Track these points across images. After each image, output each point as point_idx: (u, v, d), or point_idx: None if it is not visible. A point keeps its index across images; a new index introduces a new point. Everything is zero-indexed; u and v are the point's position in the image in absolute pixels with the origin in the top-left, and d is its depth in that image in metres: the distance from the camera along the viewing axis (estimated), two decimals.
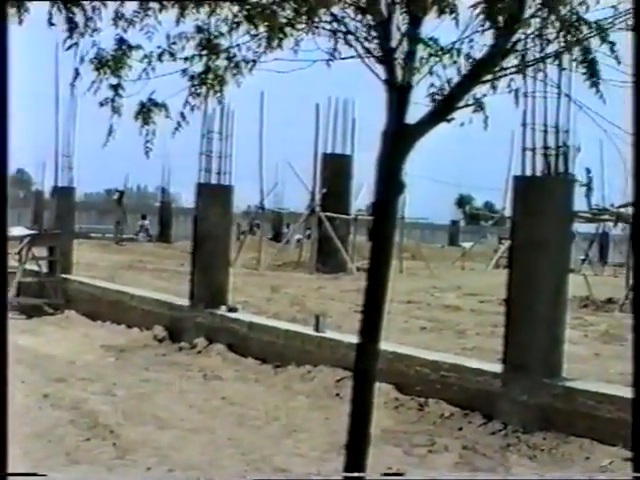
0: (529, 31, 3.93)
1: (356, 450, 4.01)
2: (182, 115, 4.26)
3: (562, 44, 3.98)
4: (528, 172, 8.00)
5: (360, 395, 4.06)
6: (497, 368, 8.03)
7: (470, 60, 3.98)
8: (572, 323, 10.05)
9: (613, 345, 10.87)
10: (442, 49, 4.02)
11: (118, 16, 4.13)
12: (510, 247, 9.04)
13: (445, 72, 4.03)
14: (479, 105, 4.08)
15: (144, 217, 41.75)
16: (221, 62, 4.26)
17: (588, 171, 13.97)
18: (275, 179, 31.34)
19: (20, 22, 4.06)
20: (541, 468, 6.81)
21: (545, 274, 7.84)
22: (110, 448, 6.99)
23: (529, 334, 7.79)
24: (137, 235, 39.62)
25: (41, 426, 7.54)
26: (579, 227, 22.04)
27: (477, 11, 3.78)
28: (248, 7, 4.02)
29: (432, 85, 4.03)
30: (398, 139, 3.92)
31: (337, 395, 8.90)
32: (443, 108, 3.96)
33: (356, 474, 3.97)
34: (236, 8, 4.07)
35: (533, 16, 3.88)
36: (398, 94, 3.91)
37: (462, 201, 65.11)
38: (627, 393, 6.62)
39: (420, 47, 3.97)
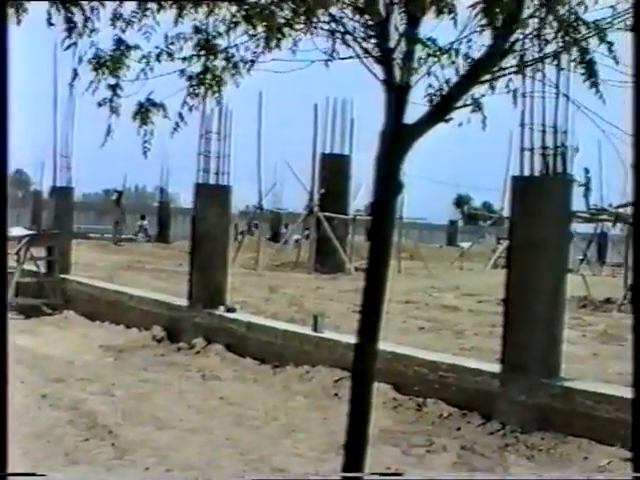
0: (527, 31, 3.92)
1: (354, 450, 4.01)
2: (180, 115, 4.26)
3: (560, 44, 3.98)
4: (526, 172, 8.00)
5: (358, 395, 4.05)
6: (495, 368, 8.03)
7: (468, 60, 3.97)
8: (570, 323, 10.07)
9: (611, 345, 10.87)
10: (440, 49, 4.02)
11: (116, 16, 4.13)
12: (508, 247, 9.04)
13: (443, 72, 4.02)
14: (477, 105, 4.08)
15: (143, 217, 41.80)
16: (219, 62, 4.26)
17: (586, 171, 13.94)
18: (273, 179, 31.40)
19: (18, 22, 4.06)
20: (539, 468, 6.80)
21: (543, 274, 7.84)
22: (109, 448, 6.99)
23: (527, 334, 7.79)
24: (136, 235, 39.66)
25: (40, 426, 7.54)
26: (577, 227, 22.03)
27: (475, 11, 3.78)
28: (246, 7, 4.02)
29: (430, 85, 4.02)
30: (396, 139, 3.92)
31: (335, 395, 8.90)
32: (441, 108, 3.95)
33: (354, 474, 3.97)
34: (234, 8, 4.07)
35: (531, 16, 3.88)
36: (396, 94, 3.90)
37: (460, 201, 65.17)
38: (625, 393, 6.64)
39: (418, 47, 3.96)
